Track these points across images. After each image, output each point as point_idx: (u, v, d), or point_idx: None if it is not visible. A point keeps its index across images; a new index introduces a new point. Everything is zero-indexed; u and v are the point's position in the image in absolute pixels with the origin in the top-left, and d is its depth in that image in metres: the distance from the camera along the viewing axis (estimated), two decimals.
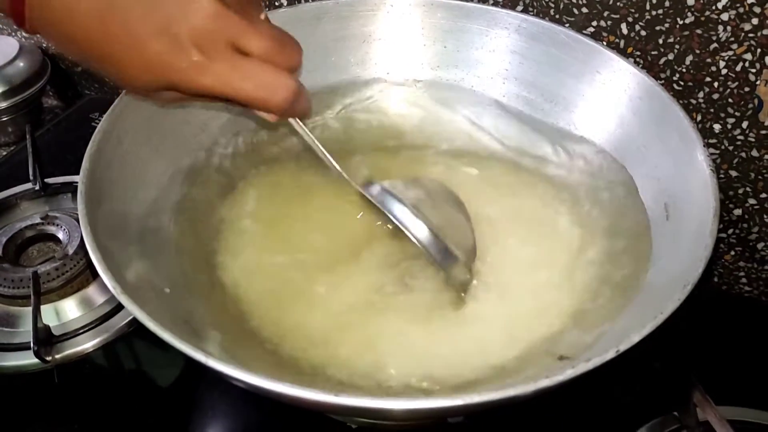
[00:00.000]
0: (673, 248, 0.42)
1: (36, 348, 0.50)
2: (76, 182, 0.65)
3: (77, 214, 0.60)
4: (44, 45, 0.90)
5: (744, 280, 0.64)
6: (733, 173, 0.58)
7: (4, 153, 0.80)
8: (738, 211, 0.60)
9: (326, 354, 0.43)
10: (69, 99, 0.96)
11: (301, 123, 0.43)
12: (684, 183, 0.45)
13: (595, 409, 0.51)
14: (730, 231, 0.62)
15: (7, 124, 0.82)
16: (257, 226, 0.50)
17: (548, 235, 0.51)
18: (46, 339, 0.52)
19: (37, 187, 0.65)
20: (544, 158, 0.56)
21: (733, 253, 0.63)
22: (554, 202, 0.53)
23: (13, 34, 0.90)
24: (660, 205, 0.46)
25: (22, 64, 0.82)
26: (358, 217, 0.51)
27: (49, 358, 0.51)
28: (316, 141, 0.45)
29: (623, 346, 0.33)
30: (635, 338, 0.34)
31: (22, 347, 0.52)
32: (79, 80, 0.93)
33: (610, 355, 0.33)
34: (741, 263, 0.63)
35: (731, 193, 0.59)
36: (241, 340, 0.42)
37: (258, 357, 0.42)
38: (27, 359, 0.52)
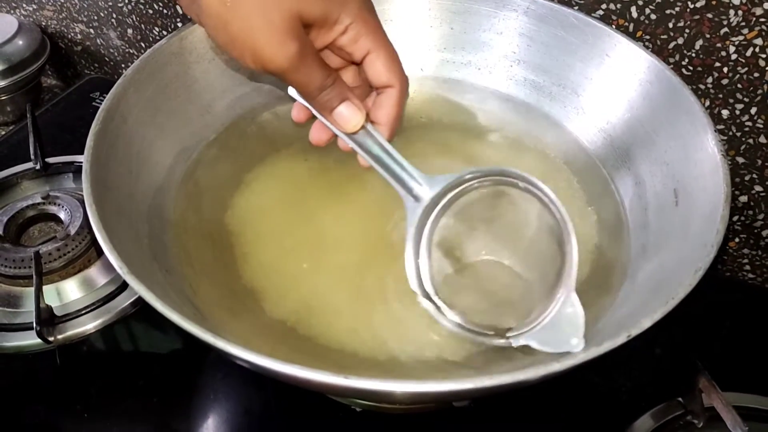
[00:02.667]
0: (683, 234, 0.42)
1: (39, 328, 0.49)
2: (78, 162, 0.66)
3: (79, 194, 0.60)
4: (43, 23, 0.89)
5: (748, 267, 0.64)
6: (740, 159, 0.58)
7: (3, 133, 0.79)
8: (744, 198, 0.60)
9: (339, 329, 0.43)
10: (68, 78, 0.95)
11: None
12: (694, 168, 0.44)
13: (599, 395, 0.51)
14: (735, 218, 0.61)
15: (5, 103, 0.82)
16: (264, 208, 0.50)
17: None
18: (48, 319, 0.52)
19: (38, 167, 0.64)
20: (545, 139, 0.56)
21: (737, 239, 0.63)
22: (551, 178, 0.53)
23: (12, 12, 0.89)
24: (669, 190, 0.46)
25: (21, 43, 0.81)
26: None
27: (51, 339, 0.51)
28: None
29: (635, 331, 0.33)
30: (646, 323, 0.33)
31: (24, 327, 0.52)
32: (79, 60, 0.92)
33: (622, 339, 0.33)
34: (745, 250, 0.63)
35: (737, 179, 0.59)
36: (248, 319, 0.42)
37: (265, 334, 0.42)
38: (28, 339, 0.51)
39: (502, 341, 0.41)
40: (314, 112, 0.44)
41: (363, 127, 0.43)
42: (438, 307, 0.42)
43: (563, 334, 0.39)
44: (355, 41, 0.42)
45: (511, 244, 0.43)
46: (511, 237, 0.43)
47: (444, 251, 0.43)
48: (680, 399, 0.49)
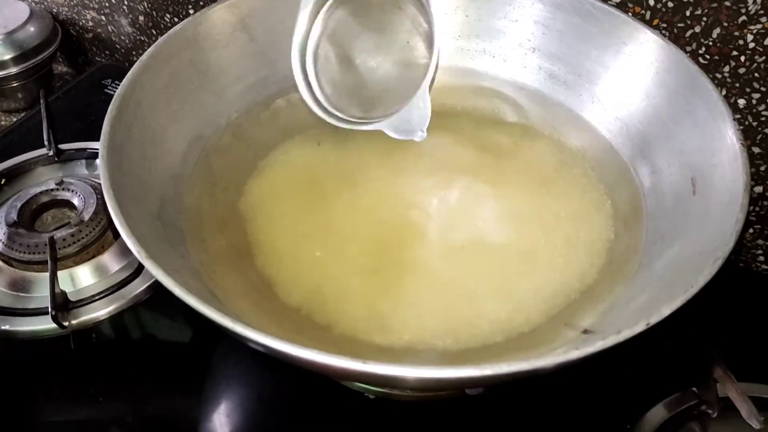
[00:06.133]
0: (701, 223, 0.42)
1: (54, 313, 0.49)
2: (90, 149, 0.65)
3: (92, 181, 0.60)
4: (55, 10, 0.89)
5: (762, 257, 0.64)
6: (756, 150, 0.58)
7: (15, 119, 0.79)
8: (759, 189, 0.59)
9: (354, 317, 0.43)
10: (79, 66, 0.95)
11: None
12: (712, 157, 0.44)
13: (613, 385, 0.51)
14: (750, 208, 0.61)
15: (17, 89, 0.82)
16: (277, 194, 0.50)
17: (559, 198, 0.51)
18: (63, 304, 0.52)
19: (51, 153, 0.64)
20: (560, 128, 0.56)
21: (752, 230, 0.62)
22: (566, 167, 0.54)
23: None
24: (686, 179, 0.45)
25: (32, 29, 0.81)
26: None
27: (66, 324, 0.51)
28: None
29: (654, 319, 0.33)
30: (666, 311, 0.33)
31: (38, 312, 0.52)
32: (90, 47, 0.92)
33: (641, 327, 0.33)
34: (759, 241, 0.63)
35: (753, 170, 0.59)
36: (263, 306, 0.42)
37: (280, 321, 0.42)
38: (43, 324, 0.51)
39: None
40: None
41: None
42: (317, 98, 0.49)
43: (412, 124, 0.48)
44: None
45: (387, 46, 0.50)
46: (387, 39, 0.50)
47: (331, 50, 0.49)
48: (694, 389, 0.49)
